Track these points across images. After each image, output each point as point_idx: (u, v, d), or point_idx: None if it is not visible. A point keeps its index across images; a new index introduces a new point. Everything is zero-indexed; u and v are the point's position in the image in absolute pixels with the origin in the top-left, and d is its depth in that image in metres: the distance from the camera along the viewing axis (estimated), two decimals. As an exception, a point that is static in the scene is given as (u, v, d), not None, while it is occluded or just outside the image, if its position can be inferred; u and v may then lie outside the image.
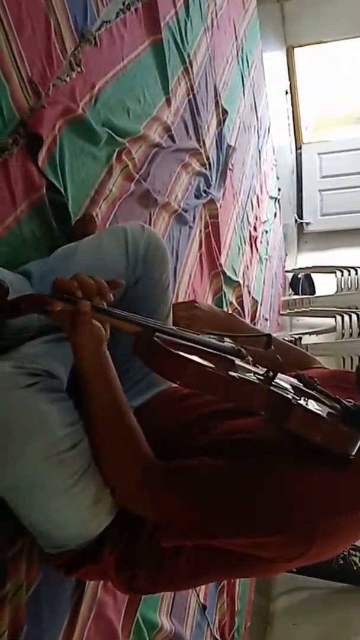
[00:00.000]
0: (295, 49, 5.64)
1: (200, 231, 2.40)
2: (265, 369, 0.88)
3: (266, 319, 3.83)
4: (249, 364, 0.93)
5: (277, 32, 5.15)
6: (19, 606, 0.97)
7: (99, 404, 0.94)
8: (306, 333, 4.40)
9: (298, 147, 6.27)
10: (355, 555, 3.07)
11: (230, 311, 2.80)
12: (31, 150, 1.17)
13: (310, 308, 4.62)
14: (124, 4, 1.67)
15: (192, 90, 2.31)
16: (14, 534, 0.97)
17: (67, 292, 0.86)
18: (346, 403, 0.88)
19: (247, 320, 3.11)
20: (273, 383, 0.86)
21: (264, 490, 0.84)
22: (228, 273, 2.73)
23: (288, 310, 4.71)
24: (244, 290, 3.04)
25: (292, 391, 0.88)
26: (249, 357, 0.94)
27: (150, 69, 1.89)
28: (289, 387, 0.90)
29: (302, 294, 4.91)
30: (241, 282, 2.98)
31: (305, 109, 6.24)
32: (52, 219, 1.22)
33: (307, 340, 4.30)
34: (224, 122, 2.83)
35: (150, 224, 1.80)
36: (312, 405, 0.86)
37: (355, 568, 3.05)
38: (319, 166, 6.16)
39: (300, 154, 6.25)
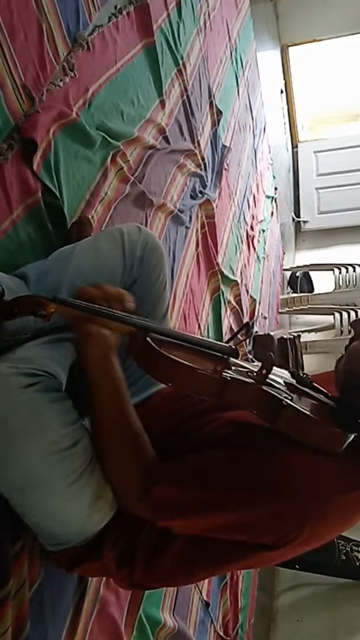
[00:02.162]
0: (289, 48, 5.66)
1: (197, 231, 2.42)
2: (259, 365, 0.89)
3: (265, 317, 3.85)
4: (243, 360, 0.94)
5: (271, 31, 5.16)
6: (22, 603, 0.98)
7: (106, 411, 0.96)
8: (305, 331, 4.41)
9: (294, 146, 6.28)
10: (358, 551, 3.08)
11: (229, 310, 2.82)
12: (26, 155, 1.18)
13: (309, 306, 4.63)
14: (116, 7, 1.69)
15: (186, 91, 2.33)
16: (16, 532, 0.98)
17: (92, 301, 0.89)
18: (336, 399, 0.89)
19: (246, 319, 3.13)
20: (266, 381, 0.87)
21: (260, 472, 0.87)
22: (225, 272, 2.74)
23: (287, 309, 4.72)
24: (242, 289, 3.05)
25: (284, 388, 0.89)
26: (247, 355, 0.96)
27: (143, 72, 1.90)
28: (282, 383, 0.91)
29: (300, 292, 4.92)
30: (239, 281, 2.99)
31: (301, 107, 6.25)
32: (48, 222, 1.24)
33: (306, 338, 4.31)
34: (218, 123, 2.84)
35: (146, 225, 1.81)
36: (304, 403, 0.87)
37: (357, 564, 3.06)
38: (315, 164, 6.18)
39: (297, 152, 6.26)
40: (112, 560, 0.99)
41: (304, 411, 0.84)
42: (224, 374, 0.85)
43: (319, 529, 0.87)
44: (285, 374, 0.98)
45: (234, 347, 0.97)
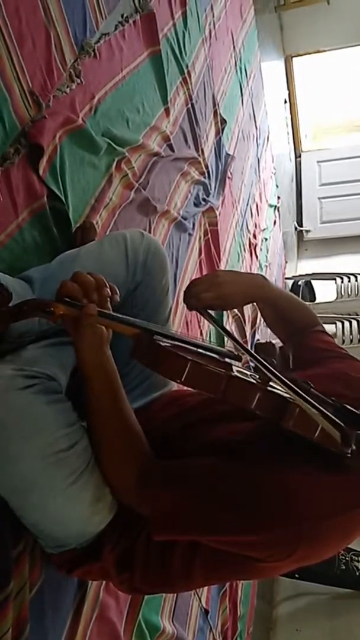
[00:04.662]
0: (293, 58, 5.70)
1: (200, 238, 2.43)
2: (261, 373, 0.89)
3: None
4: (246, 368, 0.94)
5: (276, 42, 5.20)
6: (22, 605, 0.98)
7: (101, 403, 0.95)
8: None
9: (297, 155, 6.31)
10: (358, 561, 3.06)
11: (230, 317, 2.82)
12: (32, 159, 1.19)
13: (311, 315, 4.63)
14: (122, 16, 1.71)
15: (191, 100, 2.35)
16: (17, 534, 0.98)
17: (72, 297, 0.87)
18: (340, 404, 0.89)
19: (248, 327, 3.13)
20: (269, 384, 0.88)
21: (255, 491, 0.85)
22: (228, 280, 2.74)
23: (289, 317, 4.72)
24: (244, 296, 3.05)
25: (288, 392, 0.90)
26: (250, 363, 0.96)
27: (149, 80, 1.92)
28: (284, 390, 0.91)
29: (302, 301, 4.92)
30: (241, 288, 2.99)
31: (304, 117, 6.29)
32: (53, 226, 1.25)
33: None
34: (222, 131, 2.86)
35: (150, 232, 1.82)
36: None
37: (357, 574, 3.04)
38: (318, 174, 6.20)
39: (300, 162, 6.29)
40: (112, 564, 0.99)
41: (311, 408, 0.83)
42: (228, 372, 0.85)
43: (314, 549, 0.85)
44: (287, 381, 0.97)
45: (236, 352, 0.97)
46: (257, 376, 0.89)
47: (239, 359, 0.95)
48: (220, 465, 0.91)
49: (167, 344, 0.87)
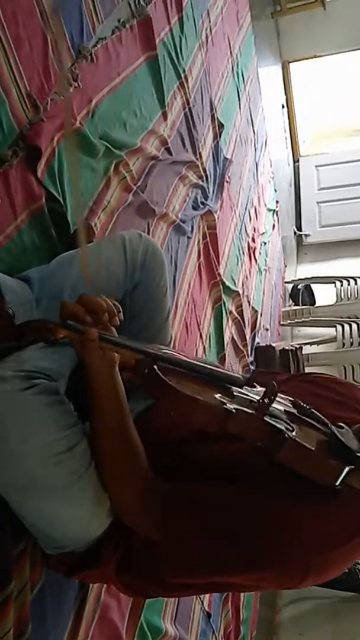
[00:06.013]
0: (290, 64, 5.73)
1: (199, 241, 2.44)
2: (261, 396, 0.88)
3: (267, 329, 3.86)
4: (250, 390, 0.94)
5: (272, 47, 5.23)
6: (23, 605, 0.98)
7: (106, 423, 0.95)
8: (307, 343, 4.41)
9: (295, 160, 6.33)
10: (361, 564, 3.06)
11: (230, 321, 2.82)
12: (30, 162, 1.20)
13: (311, 318, 4.64)
14: (119, 21, 1.72)
15: (188, 104, 2.36)
16: (18, 534, 0.98)
17: (74, 317, 0.88)
18: (336, 432, 0.89)
19: (248, 330, 3.13)
20: (267, 412, 0.87)
21: (261, 528, 0.85)
22: (227, 283, 2.76)
23: (289, 321, 4.73)
24: (243, 300, 3.06)
25: (284, 417, 0.89)
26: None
27: (146, 84, 1.93)
28: (282, 413, 0.91)
29: (302, 305, 4.93)
30: (240, 292, 3.00)
31: (302, 122, 6.32)
32: (52, 228, 1.25)
33: (308, 350, 4.32)
34: (220, 135, 2.88)
35: (148, 234, 1.83)
36: (304, 432, 0.87)
37: (360, 577, 3.04)
38: (316, 178, 6.22)
39: (298, 166, 6.31)
40: (112, 568, 0.99)
41: (304, 444, 0.83)
42: (227, 405, 0.85)
43: (320, 578, 0.86)
44: (287, 403, 0.97)
45: (244, 376, 0.96)
46: (257, 400, 0.88)
47: (242, 384, 0.94)
48: (226, 496, 0.90)
49: (168, 372, 0.86)
